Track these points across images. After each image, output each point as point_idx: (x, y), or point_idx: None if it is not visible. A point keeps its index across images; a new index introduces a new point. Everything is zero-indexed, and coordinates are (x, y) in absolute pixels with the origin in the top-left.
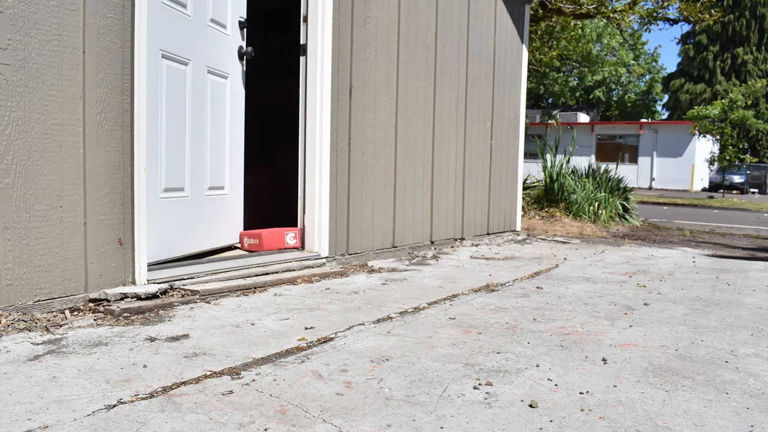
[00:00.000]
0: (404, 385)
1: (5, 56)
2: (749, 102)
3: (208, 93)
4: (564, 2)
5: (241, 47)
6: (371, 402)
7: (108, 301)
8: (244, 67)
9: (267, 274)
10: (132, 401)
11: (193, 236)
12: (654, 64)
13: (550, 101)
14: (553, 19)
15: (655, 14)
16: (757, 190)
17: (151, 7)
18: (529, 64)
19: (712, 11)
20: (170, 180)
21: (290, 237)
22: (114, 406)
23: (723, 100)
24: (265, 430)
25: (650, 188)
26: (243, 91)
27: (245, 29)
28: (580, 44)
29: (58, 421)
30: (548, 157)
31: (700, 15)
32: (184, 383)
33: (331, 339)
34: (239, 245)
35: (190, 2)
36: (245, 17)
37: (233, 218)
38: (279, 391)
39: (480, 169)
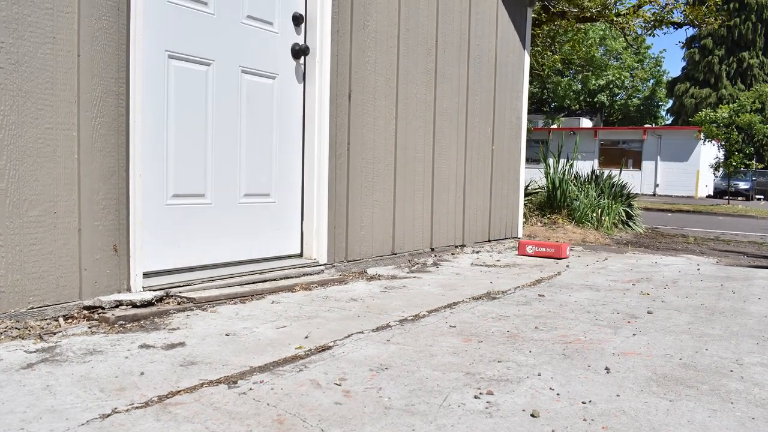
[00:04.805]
0: (404, 395)
1: None
2: (757, 107)
3: (243, 93)
4: (567, 6)
5: (295, 44)
6: (370, 411)
7: (103, 308)
8: (304, 66)
9: (264, 281)
10: (127, 410)
11: (217, 245)
12: (658, 68)
13: (553, 106)
14: (556, 23)
15: (659, 18)
16: (762, 197)
17: (154, 8)
18: (531, 68)
19: (718, 15)
20: (182, 186)
21: (569, 249)
22: (109, 415)
23: (732, 104)
24: None
25: (654, 194)
26: (300, 90)
27: (303, 24)
28: (583, 48)
29: (51, 430)
30: (551, 162)
31: (705, 19)
32: (180, 392)
33: (330, 347)
34: (299, 254)
35: (212, 1)
36: (302, 12)
37: (281, 227)
38: (276, 401)
39: (481, 175)
